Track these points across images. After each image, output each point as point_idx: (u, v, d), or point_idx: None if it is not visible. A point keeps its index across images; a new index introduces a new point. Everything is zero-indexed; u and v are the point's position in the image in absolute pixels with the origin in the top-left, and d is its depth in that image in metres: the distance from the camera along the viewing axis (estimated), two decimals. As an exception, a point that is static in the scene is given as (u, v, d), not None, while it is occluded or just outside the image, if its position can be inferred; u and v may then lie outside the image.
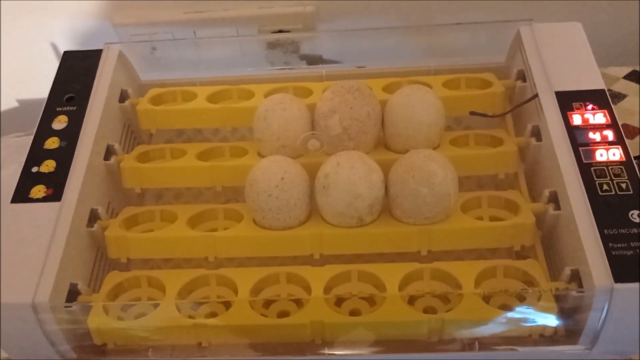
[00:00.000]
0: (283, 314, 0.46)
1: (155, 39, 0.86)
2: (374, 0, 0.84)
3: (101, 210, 0.51)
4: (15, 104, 0.97)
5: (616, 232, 0.43)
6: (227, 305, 0.46)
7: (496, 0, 0.82)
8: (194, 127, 0.62)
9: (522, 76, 0.56)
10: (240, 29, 0.87)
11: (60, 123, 0.54)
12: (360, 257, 0.50)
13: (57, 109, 0.55)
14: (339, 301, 0.47)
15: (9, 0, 0.85)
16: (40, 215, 0.48)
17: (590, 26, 0.59)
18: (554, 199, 0.48)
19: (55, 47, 0.91)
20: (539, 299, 0.44)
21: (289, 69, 0.64)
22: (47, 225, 0.47)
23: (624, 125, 0.70)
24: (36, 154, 0.52)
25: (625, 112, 0.71)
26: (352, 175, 0.47)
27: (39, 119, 0.54)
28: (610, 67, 0.77)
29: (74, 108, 0.55)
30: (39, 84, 0.64)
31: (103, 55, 0.59)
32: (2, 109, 0.97)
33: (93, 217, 0.51)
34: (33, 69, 0.90)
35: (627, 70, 0.77)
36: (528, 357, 0.46)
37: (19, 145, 0.74)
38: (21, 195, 0.49)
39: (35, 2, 0.86)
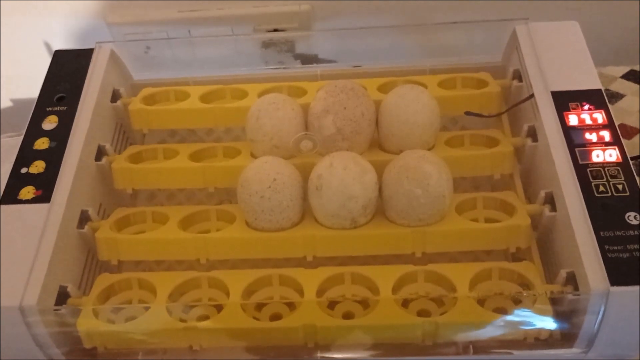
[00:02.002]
0: (275, 317, 0.46)
1: (149, 37, 0.86)
2: (370, -1, 0.84)
3: (92, 212, 0.51)
4: (9, 104, 0.97)
5: (612, 234, 0.42)
6: (219, 308, 0.46)
7: (492, -1, 0.82)
8: (186, 127, 0.61)
9: (518, 76, 0.56)
10: (235, 28, 0.86)
11: (50, 123, 0.53)
12: (354, 259, 0.50)
13: (47, 109, 0.54)
14: (332, 304, 0.46)
15: (2, 0, 0.85)
16: (29, 216, 0.47)
17: (589, 25, 0.58)
18: (550, 201, 0.47)
19: (48, 46, 0.90)
20: (534, 301, 0.44)
21: (284, 68, 0.64)
22: (36, 227, 0.47)
23: (621, 125, 0.69)
24: (25, 155, 0.51)
25: (623, 111, 0.71)
26: (345, 176, 0.47)
27: (29, 119, 0.54)
28: (608, 67, 0.76)
29: (65, 108, 0.54)
30: (33, 83, 0.63)
31: (94, 54, 0.58)
32: (-3, 109, 0.96)
33: (83, 219, 0.51)
34: (27, 68, 0.89)
35: (625, 69, 0.76)
36: (523, 361, 0.46)
37: (12, 146, 0.73)
38: (10, 196, 0.49)
39: (29, 1, 0.86)
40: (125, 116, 0.59)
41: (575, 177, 0.46)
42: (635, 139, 0.68)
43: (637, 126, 0.69)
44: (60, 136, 0.52)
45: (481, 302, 0.45)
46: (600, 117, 0.49)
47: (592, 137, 0.48)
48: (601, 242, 0.42)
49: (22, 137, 0.53)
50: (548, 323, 0.44)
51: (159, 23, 0.86)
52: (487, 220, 0.50)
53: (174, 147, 0.57)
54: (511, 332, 0.44)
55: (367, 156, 0.50)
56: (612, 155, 0.46)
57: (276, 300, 0.47)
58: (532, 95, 0.52)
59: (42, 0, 0.86)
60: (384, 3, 0.84)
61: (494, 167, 0.53)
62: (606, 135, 0.48)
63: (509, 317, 0.44)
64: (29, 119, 0.54)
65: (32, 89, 0.64)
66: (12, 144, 0.74)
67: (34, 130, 0.53)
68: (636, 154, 0.64)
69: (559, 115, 0.49)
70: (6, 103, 0.96)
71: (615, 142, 0.47)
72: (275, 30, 0.85)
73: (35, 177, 0.50)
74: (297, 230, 0.49)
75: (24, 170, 0.50)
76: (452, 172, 0.48)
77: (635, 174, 0.45)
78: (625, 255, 0.41)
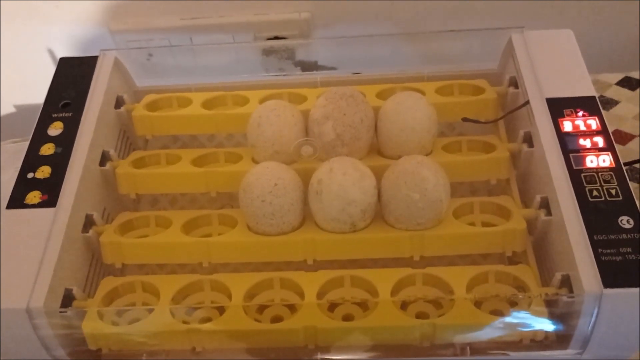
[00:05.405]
0: (276, 319, 0.46)
1: (151, 45, 0.87)
2: (369, 6, 0.85)
3: (96, 216, 0.52)
4: (13, 110, 0.97)
5: (606, 238, 0.43)
6: (221, 310, 0.47)
7: (490, 1, 0.83)
8: (189, 133, 0.62)
9: (514, 83, 0.56)
10: (236, 36, 0.87)
11: (55, 129, 0.54)
12: (353, 262, 0.51)
13: (53, 115, 0.55)
14: (332, 306, 0.47)
15: (7, 5, 0.86)
16: (35, 221, 0.48)
17: (584, 33, 0.59)
18: (545, 205, 0.48)
19: (52, 53, 0.91)
20: (530, 304, 0.45)
21: (284, 75, 0.65)
22: (43, 231, 0.48)
23: (616, 131, 0.70)
24: (32, 160, 0.52)
25: (618, 118, 0.72)
26: (344, 181, 0.48)
27: (35, 125, 0.55)
28: (603, 74, 0.77)
29: (70, 114, 0.55)
30: (36, 89, 0.64)
31: (99, 61, 0.59)
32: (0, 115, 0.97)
33: (88, 223, 0.51)
34: (30, 74, 0.90)
35: (619, 76, 0.77)
36: (519, 362, 0.47)
37: (16, 151, 0.74)
38: (17, 201, 0.49)
39: (32, 9, 0.87)
40: (128, 122, 0.60)
41: (570, 182, 0.46)
42: (630, 144, 0.69)
43: (632, 132, 0.70)
44: (66, 142, 0.53)
45: (478, 304, 0.45)
46: (594, 123, 0.50)
47: (586, 143, 0.48)
48: (595, 245, 0.43)
49: (26, 142, 0.54)
50: (543, 325, 0.44)
51: (161, 30, 0.87)
52: (484, 225, 0.51)
53: (176, 153, 0.58)
54: (507, 334, 0.45)
55: (366, 161, 0.51)
56: (605, 160, 0.47)
57: (277, 302, 0.48)
58: (527, 102, 0.53)
59: (46, 7, 0.87)
60: (382, 11, 0.85)
61: (491, 172, 0.54)
62: (600, 141, 0.48)
63: (505, 319, 0.45)
64: (35, 125, 0.55)
65: (34, 95, 0.65)
66: (17, 149, 0.75)
67: (39, 136, 0.54)
68: (631, 159, 0.65)
69: (554, 122, 0.50)
70: (9, 109, 0.97)
71: (609, 147, 0.48)
72: (276, 37, 0.86)
73: (41, 182, 0.50)
74: (297, 234, 0.50)
75: (30, 175, 0.51)
76: (449, 177, 0.49)
77: (628, 179, 0.46)
78: (618, 258, 0.42)
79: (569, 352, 0.45)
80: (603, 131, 0.49)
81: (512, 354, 0.45)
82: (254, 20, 0.85)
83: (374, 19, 0.86)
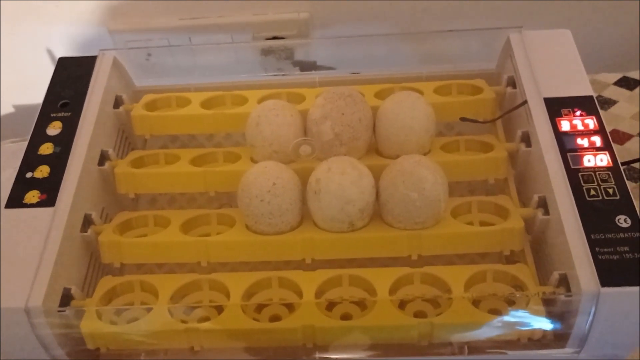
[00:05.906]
0: (275, 318, 0.47)
1: (150, 45, 0.87)
2: (367, 6, 0.85)
3: (95, 216, 0.52)
4: (12, 110, 0.97)
5: (603, 237, 0.43)
6: (220, 309, 0.47)
7: (489, 1, 0.83)
8: (187, 132, 0.62)
9: (512, 82, 0.57)
10: (234, 36, 0.87)
11: (54, 129, 0.54)
12: (351, 261, 0.51)
13: (52, 115, 0.55)
14: (330, 305, 0.47)
15: (7, 5, 0.86)
16: (34, 220, 0.48)
17: (582, 33, 0.59)
18: (543, 204, 0.48)
19: (51, 53, 0.91)
20: (527, 303, 0.45)
21: (283, 75, 0.65)
22: (41, 230, 0.48)
23: (614, 131, 0.70)
24: (30, 160, 0.52)
25: (616, 117, 0.72)
26: (343, 180, 0.48)
27: (33, 125, 0.55)
28: (601, 73, 0.78)
29: (69, 114, 0.55)
30: (35, 89, 0.64)
31: (98, 61, 0.59)
32: (-1, 115, 0.97)
33: (87, 222, 0.51)
34: (29, 74, 0.90)
35: (617, 76, 0.77)
36: (517, 361, 0.47)
37: (15, 151, 0.74)
38: (15, 200, 0.49)
39: (33, 9, 0.87)
40: (127, 122, 0.60)
41: (567, 181, 0.46)
42: (628, 144, 0.69)
43: (630, 132, 0.71)
44: (64, 142, 0.53)
45: (476, 303, 0.45)
46: (591, 122, 0.50)
47: (583, 142, 0.49)
48: (592, 244, 0.43)
49: (25, 142, 0.54)
50: (541, 323, 0.45)
51: (160, 30, 0.87)
52: (482, 224, 0.51)
53: (175, 152, 0.58)
54: (505, 333, 0.45)
55: (364, 161, 0.51)
56: (603, 160, 0.47)
57: (275, 301, 0.48)
58: (525, 102, 0.53)
59: (46, 7, 0.87)
60: (381, 12, 0.85)
61: (489, 172, 0.54)
62: (597, 140, 0.49)
63: (503, 318, 0.45)
64: (34, 124, 0.55)
65: (34, 95, 0.65)
66: (15, 149, 0.75)
67: (38, 135, 0.54)
68: (629, 159, 0.65)
69: (552, 121, 0.50)
70: (8, 109, 0.97)
71: (606, 147, 0.48)
72: (275, 37, 0.86)
73: (40, 181, 0.51)
74: (296, 234, 0.50)
75: (29, 174, 0.51)
76: (447, 177, 0.49)
77: (625, 178, 0.47)
78: (615, 257, 0.42)
79: (567, 350, 0.45)
80: (601, 131, 0.49)
81: (510, 353, 0.46)
82: (252, 20, 0.86)
83: (372, 18, 0.86)
